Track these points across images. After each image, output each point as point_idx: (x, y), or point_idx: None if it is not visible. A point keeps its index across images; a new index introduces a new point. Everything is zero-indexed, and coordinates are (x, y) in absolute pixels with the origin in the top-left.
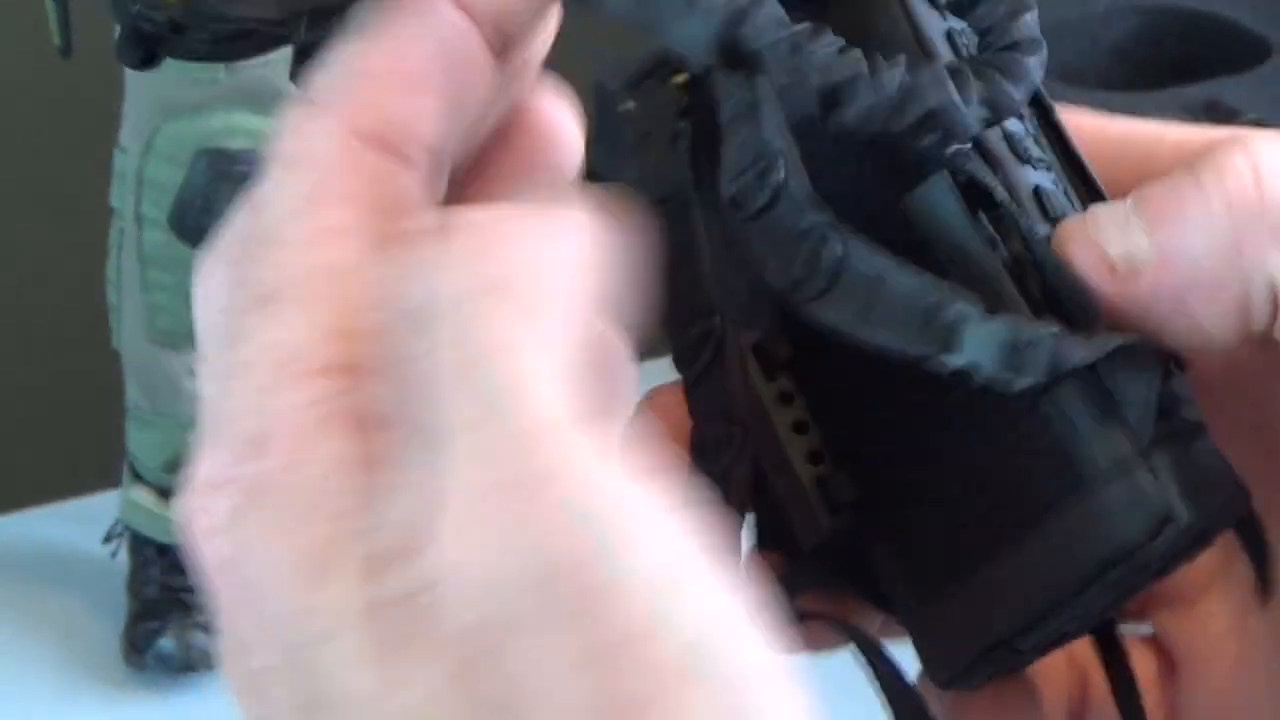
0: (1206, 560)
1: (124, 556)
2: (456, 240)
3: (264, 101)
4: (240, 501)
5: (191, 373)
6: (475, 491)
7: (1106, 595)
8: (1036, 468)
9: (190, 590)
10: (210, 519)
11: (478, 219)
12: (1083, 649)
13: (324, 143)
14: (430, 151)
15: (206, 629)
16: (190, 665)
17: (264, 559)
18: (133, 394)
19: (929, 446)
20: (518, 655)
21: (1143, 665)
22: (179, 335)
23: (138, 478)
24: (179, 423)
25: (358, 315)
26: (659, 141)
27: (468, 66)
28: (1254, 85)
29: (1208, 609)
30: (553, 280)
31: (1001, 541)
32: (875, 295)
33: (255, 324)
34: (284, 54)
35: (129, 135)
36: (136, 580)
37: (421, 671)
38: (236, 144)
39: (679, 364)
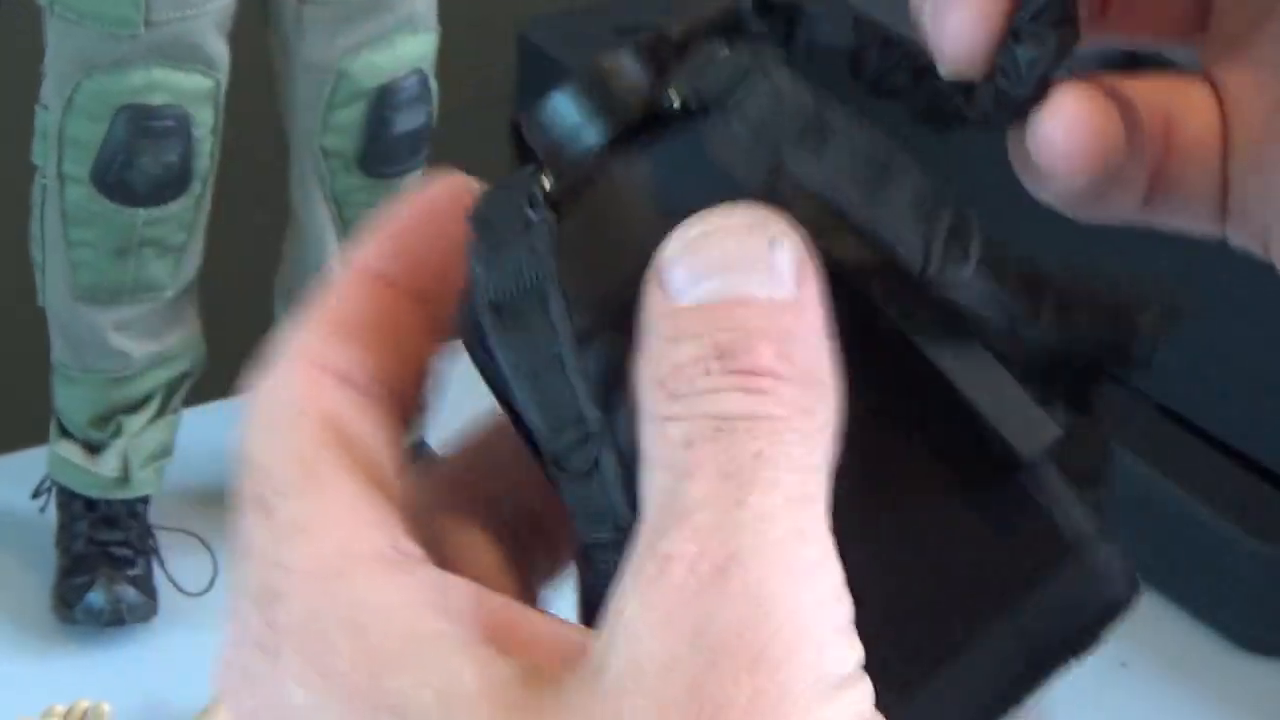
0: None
1: (53, 512)
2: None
3: (183, 57)
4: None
5: (115, 328)
6: None
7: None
8: (1021, 539)
9: (118, 544)
10: (234, 673)
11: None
12: (1164, 97)
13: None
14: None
15: (134, 582)
16: (119, 618)
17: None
18: (59, 350)
19: (896, 536)
20: None
21: (1205, 108)
22: (102, 291)
23: (65, 433)
24: (104, 379)
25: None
26: (508, 233)
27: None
28: None
29: (1256, 48)
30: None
31: (985, 617)
32: None
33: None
34: (201, 8)
35: (50, 92)
36: (64, 535)
37: None
38: (157, 100)
39: (550, 470)
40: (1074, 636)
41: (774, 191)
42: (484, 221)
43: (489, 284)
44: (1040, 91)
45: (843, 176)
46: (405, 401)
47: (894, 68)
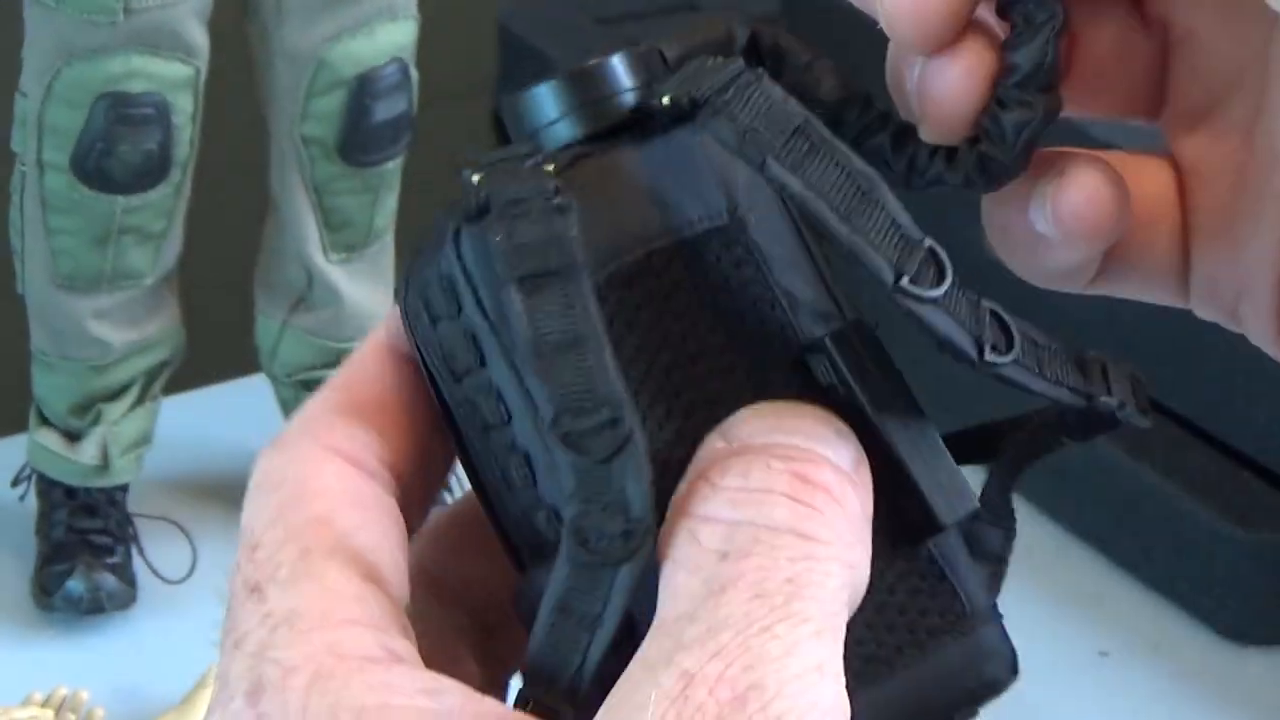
0: (1223, 70)
1: (32, 499)
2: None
3: (163, 44)
4: None
5: (94, 316)
6: None
7: None
8: (923, 601)
9: (98, 532)
10: None
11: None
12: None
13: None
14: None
15: (114, 570)
16: (98, 606)
17: None
18: (38, 338)
19: None
20: None
21: (1159, 181)
22: (81, 279)
23: (44, 421)
24: (84, 367)
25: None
26: (534, 212)
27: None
28: None
29: (1216, 123)
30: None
31: (873, 672)
32: None
33: (246, 607)
34: None
35: (29, 80)
36: (44, 523)
37: None
38: (136, 87)
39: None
40: (952, 707)
41: (754, 195)
42: (502, 198)
43: (517, 259)
44: (1025, 157)
45: (823, 188)
46: (415, 487)
47: (875, 126)
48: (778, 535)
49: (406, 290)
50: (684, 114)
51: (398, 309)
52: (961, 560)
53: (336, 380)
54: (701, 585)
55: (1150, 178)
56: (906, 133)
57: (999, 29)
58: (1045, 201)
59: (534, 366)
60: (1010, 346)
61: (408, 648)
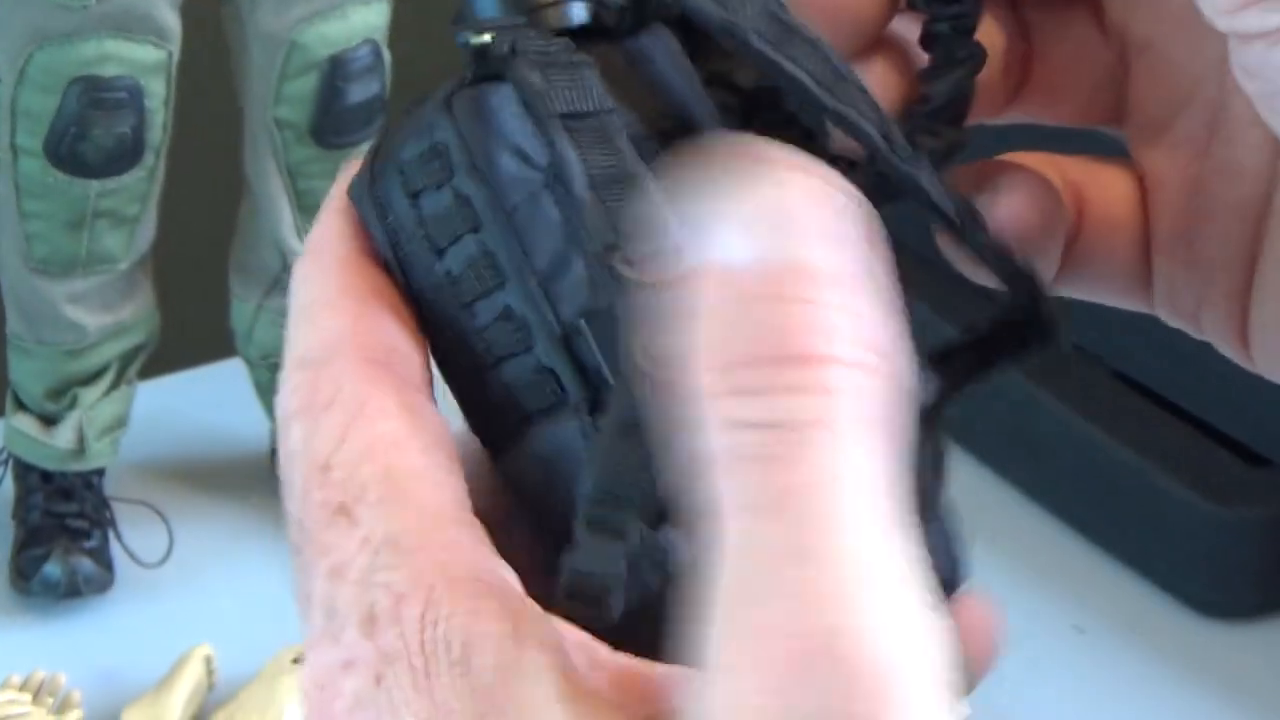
0: (1180, 81)
1: (9, 484)
2: None
3: (135, 28)
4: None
5: (70, 300)
6: None
7: None
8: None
9: (74, 516)
10: (332, 709)
11: None
12: (1079, 174)
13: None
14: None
15: (91, 554)
16: (75, 590)
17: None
18: (13, 323)
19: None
20: None
21: (1123, 188)
22: (56, 263)
23: (21, 406)
24: (59, 351)
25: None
26: (562, 62)
27: None
28: None
29: (1176, 133)
30: None
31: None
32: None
33: (337, 532)
34: None
35: (2, 65)
36: (21, 507)
37: None
38: (109, 71)
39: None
40: None
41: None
42: (529, 48)
43: (556, 98)
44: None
45: (804, 64)
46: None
47: (782, 125)
48: (810, 433)
49: (372, 184)
50: (648, 16)
51: (341, 222)
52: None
53: (337, 280)
54: (751, 521)
55: (1114, 184)
56: (813, 137)
57: (916, 58)
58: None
59: (587, 200)
60: (977, 218)
61: (508, 569)
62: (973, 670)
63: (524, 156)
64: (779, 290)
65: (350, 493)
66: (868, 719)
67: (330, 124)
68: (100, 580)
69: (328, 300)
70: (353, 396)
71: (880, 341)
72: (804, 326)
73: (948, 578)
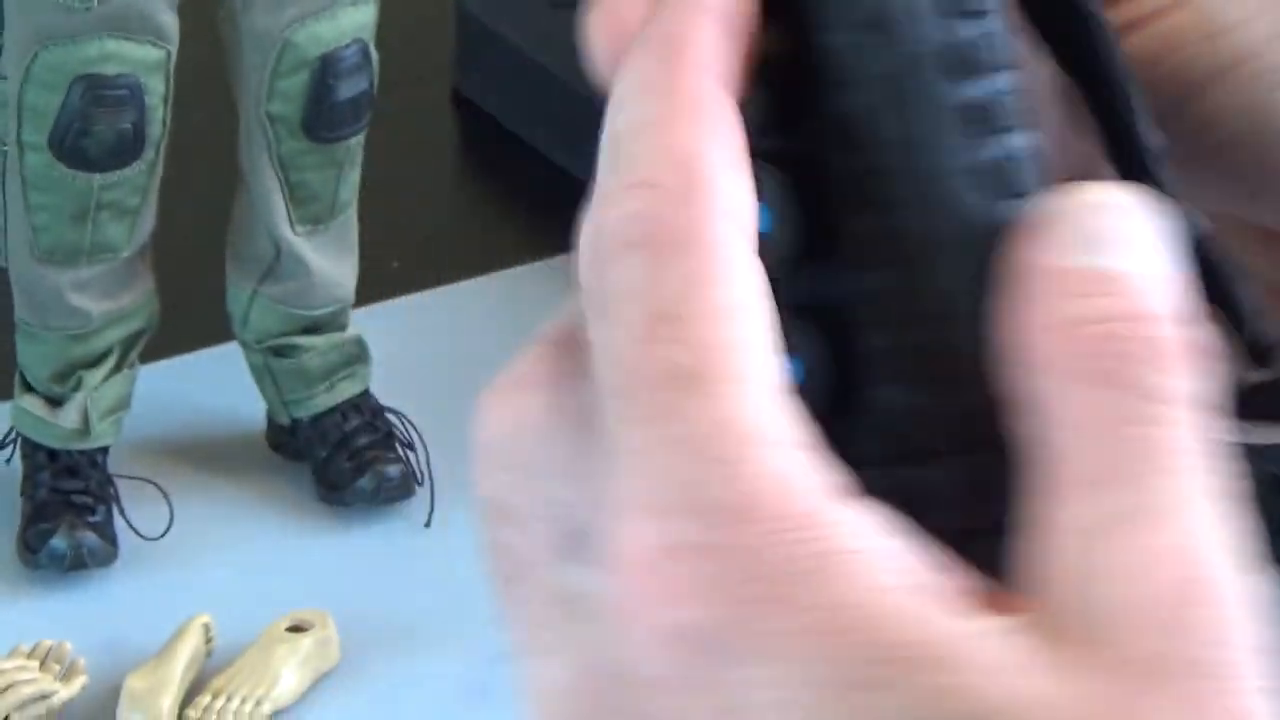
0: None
1: (18, 462)
2: None
3: (135, 29)
4: (720, 570)
5: (74, 287)
6: None
7: None
8: None
9: (79, 493)
10: (674, 586)
11: None
12: None
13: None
14: None
15: (95, 529)
16: (81, 563)
17: (757, 631)
18: (21, 309)
19: None
20: None
21: None
22: (61, 253)
23: (28, 388)
24: (64, 336)
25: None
26: None
27: None
28: None
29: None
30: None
31: None
32: None
33: (684, 401)
34: None
35: (8, 64)
36: (29, 484)
37: None
38: (110, 69)
39: None
40: None
41: None
42: None
43: None
44: None
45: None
46: None
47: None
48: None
49: None
50: None
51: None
52: None
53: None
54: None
55: None
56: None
57: None
58: None
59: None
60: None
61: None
62: None
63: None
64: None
65: (699, 360)
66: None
67: (321, 119)
68: (104, 553)
69: (685, 117)
70: (711, 253)
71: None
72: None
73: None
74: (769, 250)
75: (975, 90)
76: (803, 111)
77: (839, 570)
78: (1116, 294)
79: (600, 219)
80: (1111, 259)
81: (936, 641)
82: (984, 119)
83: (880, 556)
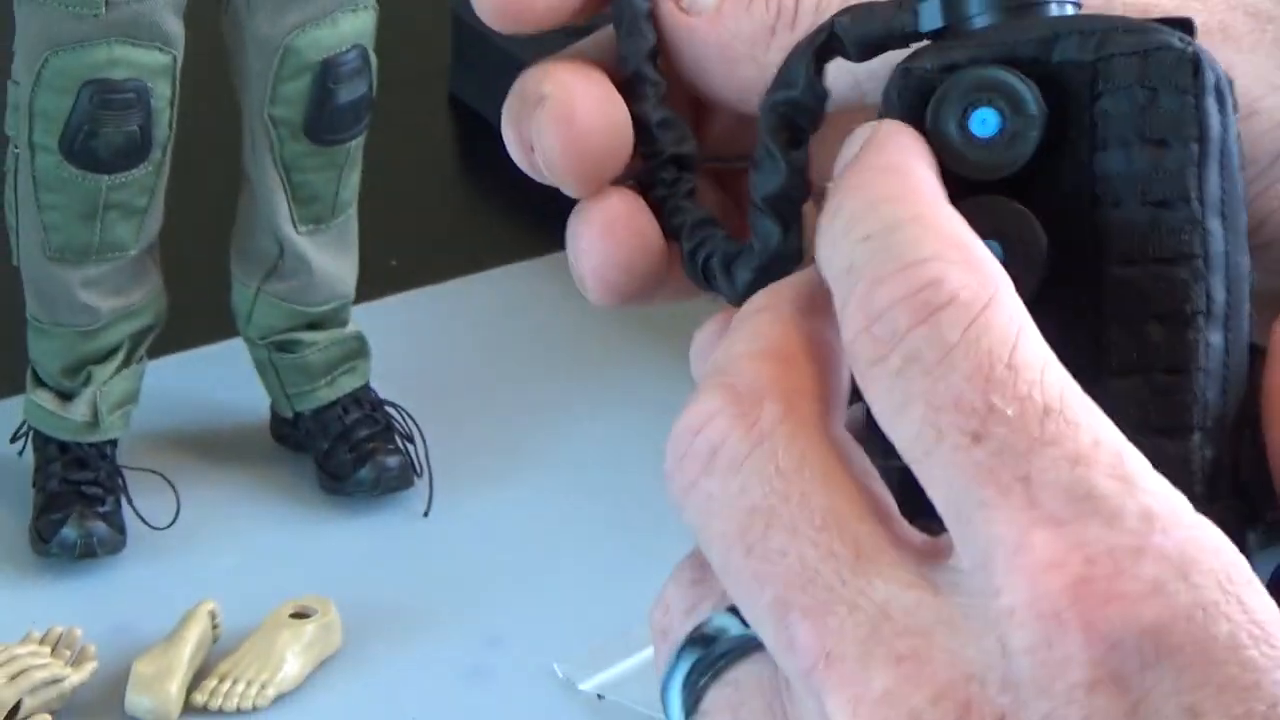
0: None
1: (30, 454)
2: None
3: (142, 35)
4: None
5: (84, 285)
6: None
7: None
8: None
9: (89, 484)
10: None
11: None
12: None
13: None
14: None
15: (104, 518)
16: (91, 551)
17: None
18: (33, 306)
19: None
20: None
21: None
22: (70, 251)
23: (39, 382)
24: (74, 332)
25: None
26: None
27: None
28: None
29: None
30: None
31: None
32: None
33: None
34: None
35: (20, 69)
36: (40, 476)
37: None
38: (118, 74)
39: None
40: None
41: None
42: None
43: (1210, 75)
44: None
45: None
46: None
47: None
48: None
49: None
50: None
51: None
52: None
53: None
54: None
55: None
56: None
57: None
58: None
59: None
60: None
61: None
62: None
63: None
64: None
65: (1049, 397)
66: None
67: (322, 122)
68: (113, 542)
69: (936, 210)
70: (1014, 308)
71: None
72: None
73: None
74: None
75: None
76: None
77: (1250, 589)
78: None
79: (886, 295)
80: None
81: None
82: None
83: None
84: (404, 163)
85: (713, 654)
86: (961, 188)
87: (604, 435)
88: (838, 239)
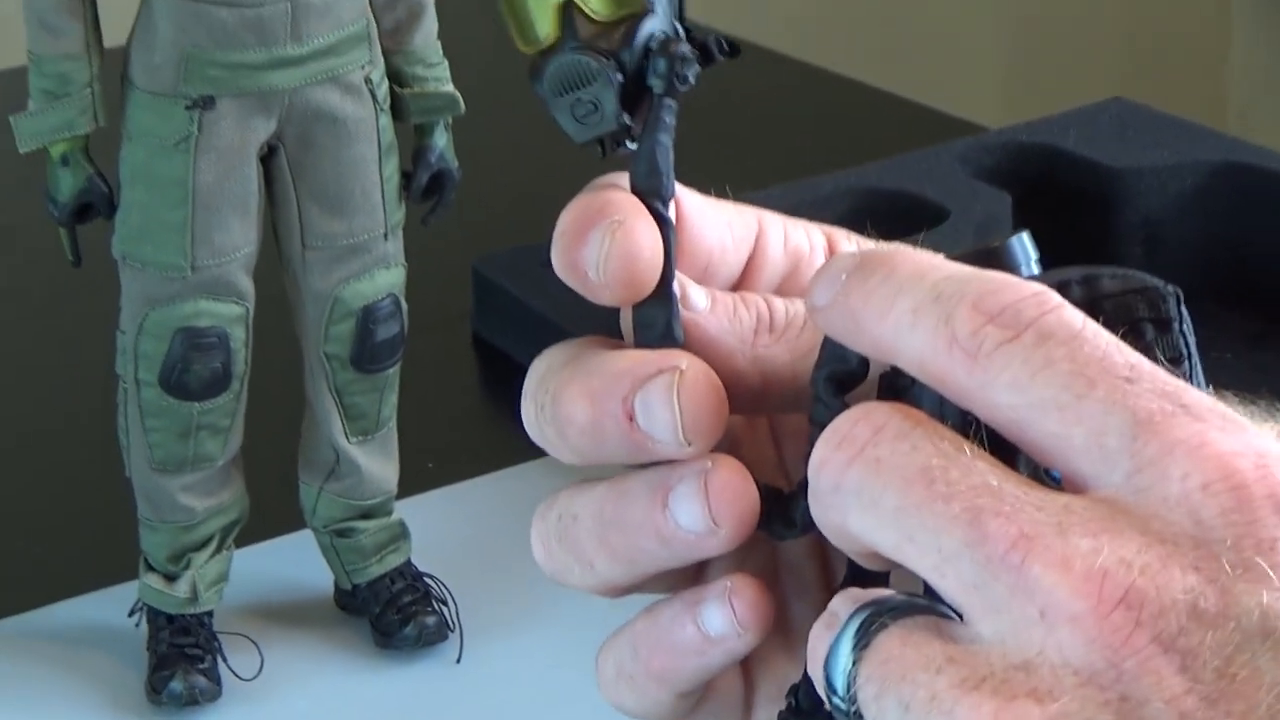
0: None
1: (144, 625)
2: None
3: (221, 291)
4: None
5: (182, 490)
6: None
7: None
8: None
9: (191, 646)
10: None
11: None
12: None
13: None
14: None
15: (204, 673)
16: (194, 700)
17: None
18: (142, 508)
19: None
20: None
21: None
22: (170, 464)
23: (150, 568)
24: (176, 527)
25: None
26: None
27: None
28: (937, 240)
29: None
30: None
31: None
32: None
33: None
34: (232, 255)
35: (126, 321)
36: (152, 641)
37: None
38: (203, 323)
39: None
40: None
41: None
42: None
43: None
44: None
45: None
46: None
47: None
48: None
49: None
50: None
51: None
52: None
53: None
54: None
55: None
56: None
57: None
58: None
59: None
60: None
61: None
62: None
63: None
64: None
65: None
66: None
67: (365, 355)
68: (211, 692)
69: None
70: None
71: None
72: None
73: None
74: None
75: None
76: None
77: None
78: None
79: (1006, 297)
80: None
81: None
82: None
83: None
84: (437, 387)
85: (883, 607)
86: None
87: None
88: (892, 296)
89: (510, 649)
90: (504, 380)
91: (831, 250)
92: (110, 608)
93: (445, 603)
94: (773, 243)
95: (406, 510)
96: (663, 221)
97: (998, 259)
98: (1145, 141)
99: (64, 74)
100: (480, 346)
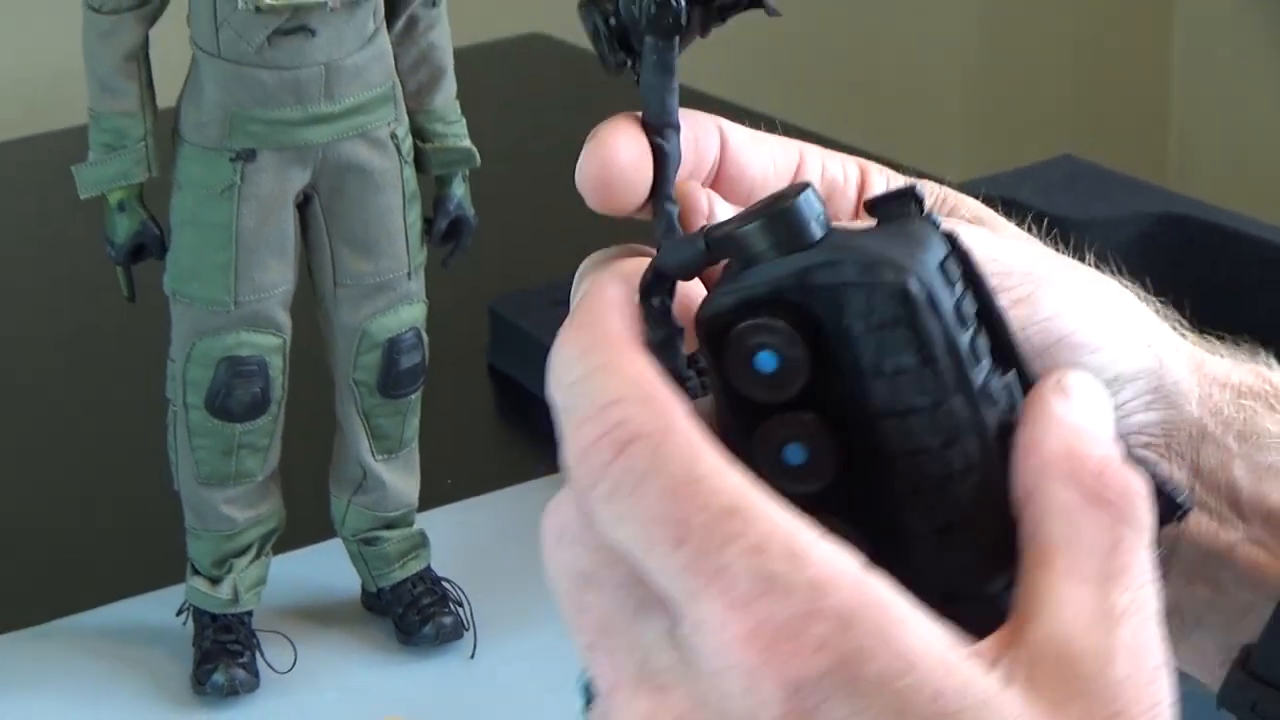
0: None
1: (190, 624)
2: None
3: (261, 324)
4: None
5: (225, 502)
6: None
7: None
8: None
9: (232, 642)
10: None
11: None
12: None
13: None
14: None
15: (244, 667)
16: (234, 691)
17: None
18: (189, 518)
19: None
20: None
21: None
22: (215, 478)
23: (195, 572)
24: (219, 536)
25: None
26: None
27: None
28: None
29: None
30: None
31: None
32: None
33: (733, 527)
34: (271, 292)
35: (175, 351)
36: (198, 638)
37: None
38: (245, 352)
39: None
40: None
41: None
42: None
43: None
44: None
45: None
46: None
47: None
48: None
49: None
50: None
51: (621, 316)
52: None
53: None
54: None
55: None
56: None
57: None
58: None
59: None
60: None
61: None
62: None
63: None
64: None
65: (734, 500)
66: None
67: (390, 382)
68: (250, 684)
69: (624, 356)
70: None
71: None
72: None
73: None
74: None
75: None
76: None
77: (899, 628)
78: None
79: (587, 434)
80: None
81: (977, 691)
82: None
83: (917, 616)
84: (455, 412)
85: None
86: (764, 408)
87: None
88: (552, 384)
89: (519, 646)
90: (516, 406)
91: (864, 182)
92: (160, 608)
93: (461, 604)
94: (809, 172)
95: (426, 521)
96: (658, 150)
97: (789, 219)
98: (1093, 194)
99: (121, 129)
100: (495, 376)
